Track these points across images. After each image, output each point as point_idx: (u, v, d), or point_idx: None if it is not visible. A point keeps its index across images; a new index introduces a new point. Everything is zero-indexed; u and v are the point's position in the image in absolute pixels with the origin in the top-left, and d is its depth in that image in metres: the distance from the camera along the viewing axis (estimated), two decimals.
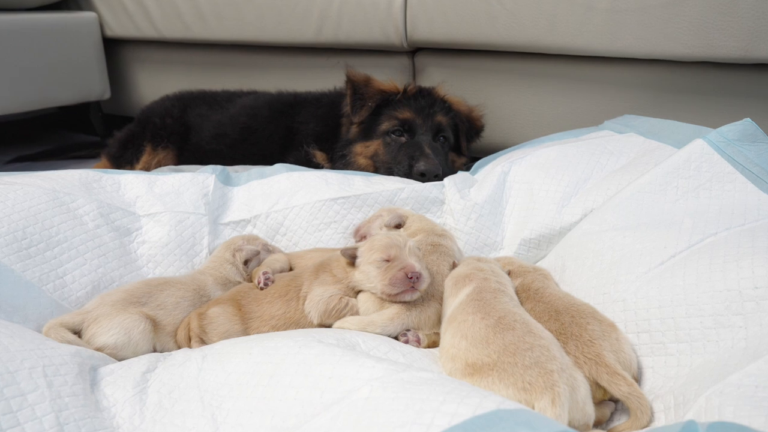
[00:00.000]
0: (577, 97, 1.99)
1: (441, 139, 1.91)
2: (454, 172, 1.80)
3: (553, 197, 1.47)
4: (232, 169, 1.71)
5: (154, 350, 1.13)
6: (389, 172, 1.82)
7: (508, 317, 0.94)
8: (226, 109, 2.23)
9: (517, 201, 1.54)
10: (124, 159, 2.24)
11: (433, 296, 1.15)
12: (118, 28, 2.84)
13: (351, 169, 1.90)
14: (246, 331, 1.14)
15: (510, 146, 1.86)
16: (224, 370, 0.90)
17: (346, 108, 1.95)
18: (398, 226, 1.40)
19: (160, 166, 2.16)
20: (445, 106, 1.94)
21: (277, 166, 1.64)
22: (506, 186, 1.57)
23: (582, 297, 1.14)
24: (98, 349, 1.06)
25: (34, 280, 1.15)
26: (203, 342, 1.11)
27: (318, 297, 1.14)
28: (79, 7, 2.88)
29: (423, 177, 1.72)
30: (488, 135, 2.10)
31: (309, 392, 0.79)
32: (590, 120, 1.90)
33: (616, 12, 1.77)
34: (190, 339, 1.13)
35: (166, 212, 1.45)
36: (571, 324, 1.00)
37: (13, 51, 2.49)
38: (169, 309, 1.17)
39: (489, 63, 2.14)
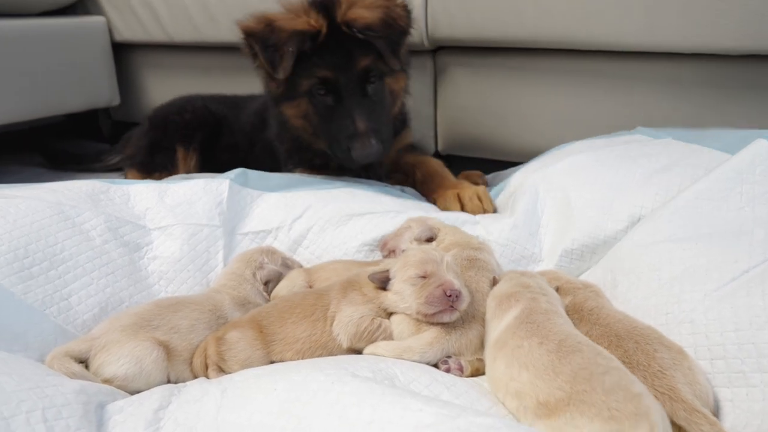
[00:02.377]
0: (613, 97, 1.87)
1: (372, 82, 1.60)
2: (395, 104, 1.67)
3: (593, 203, 1.36)
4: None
5: (168, 380, 1.02)
6: (332, 150, 1.61)
7: (570, 339, 0.83)
8: (241, 111, 2.09)
9: (553, 210, 1.43)
10: (154, 165, 2.14)
11: (474, 317, 1.04)
12: (127, 33, 2.77)
13: (288, 132, 1.73)
14: (267, 356, 1.04)
15: (540, 150, 1.75)
16: (246, 409, 0.79)
17: (258, 63, 1.62)
18: (429, 240, 1.29)
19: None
20: (363, 37, 1.54)
21: (297, 176, 1.55)
22: (539, 197, 1.46)
23: (640, 317, 1.02)
24: (107, 381, 0.96)
25: (37, 303, 1.05)
26: (221, 370, 1.01)
27: (348, 318, 1.04)
28: (87, 12, 2.81)
29: (364, 162, 1.56)
30: (516, 138, 1.99)
31: None
32: (627, 121, 1.78)
33: (657, 3, 1.65)
34: (207, 367, 1.03)
35: (178, 225, 1.36)
36: (636, 351, 0.88)
37: (20, 57, 2.42)
38: (183, 333, 1.06)
39: (516, 61, 2.03)
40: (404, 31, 1.63)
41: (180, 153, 2.10)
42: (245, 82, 2.49)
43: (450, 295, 0.98)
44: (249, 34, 1.56)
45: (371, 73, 1.59)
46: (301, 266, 1.37)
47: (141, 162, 2.19)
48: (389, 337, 1.04)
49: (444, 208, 1.59)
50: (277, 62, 1.52)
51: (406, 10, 1.64)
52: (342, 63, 1.55)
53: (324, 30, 1.54)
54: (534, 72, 2.01)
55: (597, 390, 0.73)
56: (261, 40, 1.54)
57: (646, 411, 0.69)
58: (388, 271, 1.06)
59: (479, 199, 1.61)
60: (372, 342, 1.02)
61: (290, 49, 1.50)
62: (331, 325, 1.05)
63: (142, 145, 2.21)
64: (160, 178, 2.05)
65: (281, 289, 1.26)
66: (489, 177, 1.97)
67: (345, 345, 1.03)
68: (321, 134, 1.63)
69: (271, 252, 1.33)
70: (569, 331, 0.87)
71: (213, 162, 2.08)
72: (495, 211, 1.62)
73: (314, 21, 1.53)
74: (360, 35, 1.53)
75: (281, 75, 1.53)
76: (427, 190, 1.75)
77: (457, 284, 1.00)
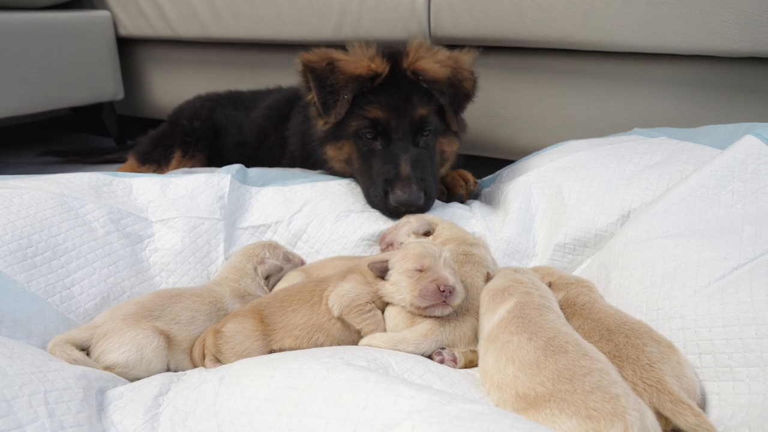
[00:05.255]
0: (612, 97, 1.89)
1: (426, 135, 1.53)
2: (443, 165, 1.60)
3: (586, 199, 1.39)
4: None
5: (168, 369, 1.04)
6: (366, 192, 1.51)
7: (558, 338, 0.85)
8: (251, 110, 2.10)
9: (547, 206, 1.45)
10: (151, 157, 2.17)
11: (468, 310, 1.06)
12: (132, 27, 2.79)
13: (330, 173, 1.65)
14: (267, 345, 1.06)
15: (539, 148, 1.76)
16: (244, 396, 0.81)
17: (310, 97, 1.57)
18: (427, 234, 1.31)
19: None
20: (425, 87, 1.51)
21: (297, 171, 1.56)
22: (533, 194, 1.49)
23: (631, 312, 1.04)
24: (108, 368, 0.98)
25: (39, 291, 1.07)
26: (218, 361, 1.03)
27: (345, 291, 1.06)
28: (92, 6, 2.84)
29: (400, 209, 1.42)
30: (516, 136, 2.00)
31: (340, 425, 0.71)
32: (626, 121, 1.80)
33: (656, 4, 1.66)
34: (204, 357, 1.05)
35: (180, 217, 1.37)
36: (626, 345, 0.90)
37: (25, 50, 2.44)
38: (184, 323, 1.08)
39: (518, 60, 2.04)
40: (468, 95, 1.61)
41: (177, 155, 2.13)
42: (249, 78, 2.53)
43: (444, 291, 1.00)
44: (309, 68, 1.53)
45: (426, 126, 1.52)
46: (303, 261, 1.38)
47: (140, 150, 2.22)
48: (380, 328, 1.05)
49: None
50: (331, 106, 1.49)
51: (473, 77, 1.62)
52: (398, 106, 1.49)
53: (385, 73, 1.51)
54: (535, 71, 2.03)
55: (577, 390, 0.75)
56: (319, 79, 1.51)
57: (622, 411, 0.72)
58: (387, 261, 1.08)
59: (461, 177, 1.61)
60: (359, 321, 1.04)
61: (346, 96, 1.48)
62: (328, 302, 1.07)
63: (150, 135, 2.25)
64: (148, 170, 2.07)
65: None
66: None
67: (336, 313, 1.05)
68: (359, 177, 1.55)
69: (273, 247, 1.34)
70: (559, 329, 0.89)
71: (220, 163, 2.11)
72: (479, 190, 1.63)
73: (375, 65, 1.51)
74: (425, 85, 1.51)
75: (332, 119, 1.51)
76: None
77: (451, 280, 1.02)
